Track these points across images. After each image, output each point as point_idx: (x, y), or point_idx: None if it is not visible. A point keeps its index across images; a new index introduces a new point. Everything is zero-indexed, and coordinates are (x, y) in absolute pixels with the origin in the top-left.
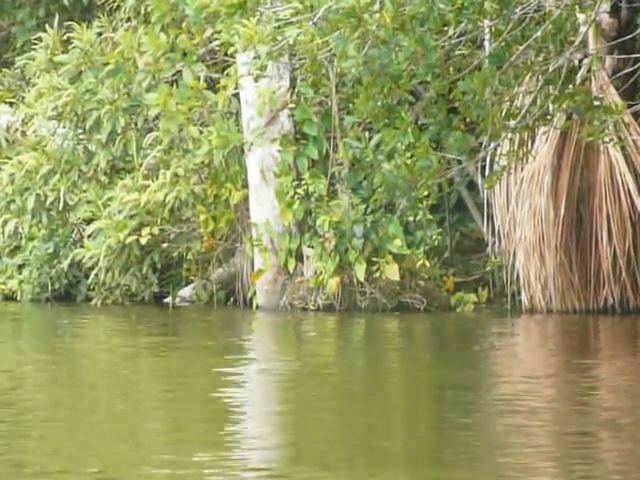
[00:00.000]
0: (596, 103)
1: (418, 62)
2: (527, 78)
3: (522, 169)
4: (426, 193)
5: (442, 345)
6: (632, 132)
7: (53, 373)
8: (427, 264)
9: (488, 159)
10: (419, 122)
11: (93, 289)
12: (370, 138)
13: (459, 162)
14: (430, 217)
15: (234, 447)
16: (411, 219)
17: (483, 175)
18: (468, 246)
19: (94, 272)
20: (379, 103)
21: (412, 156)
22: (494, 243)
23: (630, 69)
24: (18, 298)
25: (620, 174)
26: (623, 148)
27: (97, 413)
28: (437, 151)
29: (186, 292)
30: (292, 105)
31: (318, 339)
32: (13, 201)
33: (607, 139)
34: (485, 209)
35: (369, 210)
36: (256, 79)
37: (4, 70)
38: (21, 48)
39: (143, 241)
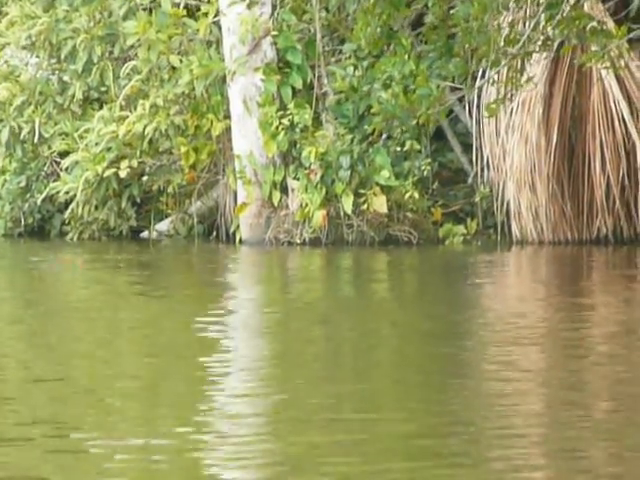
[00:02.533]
0: (599, 27)
1: None
2: (528, 3)
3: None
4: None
5: (432, 279)
6: (627, 58)
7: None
8: (416, 195)
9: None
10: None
11: (68, 224)
12: (355, 67)
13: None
14: (418, 147)
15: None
16: (399, 149)
17: (463, 103)
18: (447, 177)
19: (71, 206)
20: (378, 29)
21: (408, 85)
22: (476, 174)
23: None
24: None
25: (614, 101)
26: (617, 75)
27: (73, 366)
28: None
29: (164, 226)
30: (275, 32)
31: (305, 275)
32: None
33: (607, 64)
34: (473, 139)
35: (356, 140)
36: (249, 6)
37: None
38: None
39: (122, 174)
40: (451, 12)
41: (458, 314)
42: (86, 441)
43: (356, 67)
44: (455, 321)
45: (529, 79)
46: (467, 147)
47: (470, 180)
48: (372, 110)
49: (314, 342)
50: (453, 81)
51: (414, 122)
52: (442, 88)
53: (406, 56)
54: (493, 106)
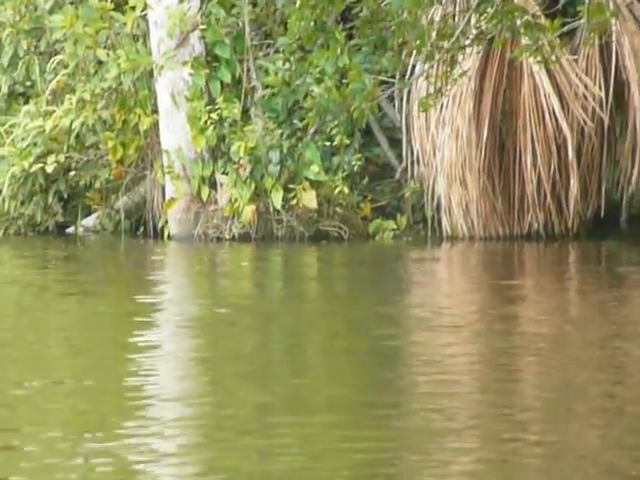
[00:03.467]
0: (536, 21)
1: None
2: None
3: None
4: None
5: (362, 275)
6: (559, 52)
7: None
8: (345, 191)
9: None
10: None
11: None
12: (287, 61)
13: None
14: (348, 142)
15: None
16: (327, 144)
17: (391, 98)
18: (373, 172)
19: None
20: (312, 24)
21: (341, 79)
22: (404, 169)
23: None
24: None
25: (545, 95)
26: (548, 69)
27: None
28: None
29: (90, 221)
30: (203, 26)
31: (235, 272)
32: None
33: (540, 58)
34: (403, 134)
35: (285, 135)
36: None
37: None
38: None
39: (49, 169)
40: (384, 5)
41: (387, 308)
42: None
43: (288, 61)
44: (383, 314)
45: (463, 73)
46: (394, 142)
47: (398, 175)
48: (305, 104)
49: (241, 340)
50: (386, 75)
51: (347, 117)
52: (375, 82)
53: (339, 50)
54: (427, 101)
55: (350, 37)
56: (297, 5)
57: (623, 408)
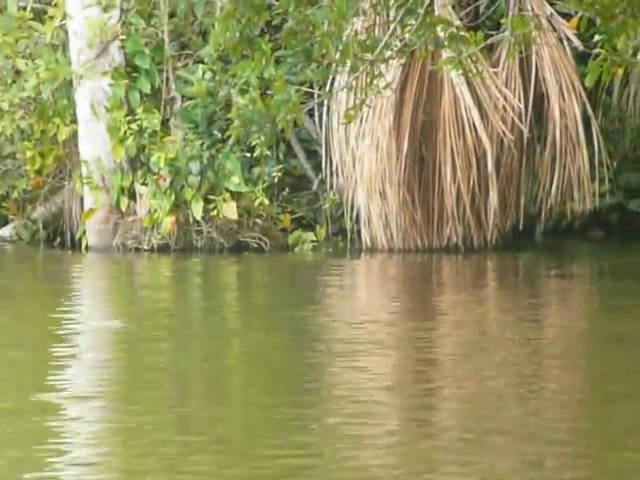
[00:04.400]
0: (460, 34)
1: None
2: (386, 8)
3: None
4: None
5: (280, 286)
6: (480, 65)
7: None
8: (266, 202)
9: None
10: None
11: None
12: (210, 71)
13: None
14: (268, 153)
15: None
16: (248, 155)
17: (309, 110)
18: (290, 183)
19: None
20: (237, 34)
21: (266, 90)
22: (321, 180)
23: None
24: None
25: (465, 107)
26: (468, 81)
27: None
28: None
29: (6, 231)
30: (123, 37)
31: (153, 284)
32: None
33: (461, 71)
34: (323, 146)
35: (205, 146)
36: (105, 9)
37: None
38: None
39: None
40: (309, 17)
41: (302, 321)
42: None
43: (211, 71)
44: (298, 328)
45: (387, 85)
46: (311, 154)
47: (315, 187)
48: (230, 115)
49: (157, 354)
50: (310, 86)
51: (271, 128)
52: (300, 93)
53: (264, 61)
54: (351, 112)
55: (275, 48)
56: (222, 16)
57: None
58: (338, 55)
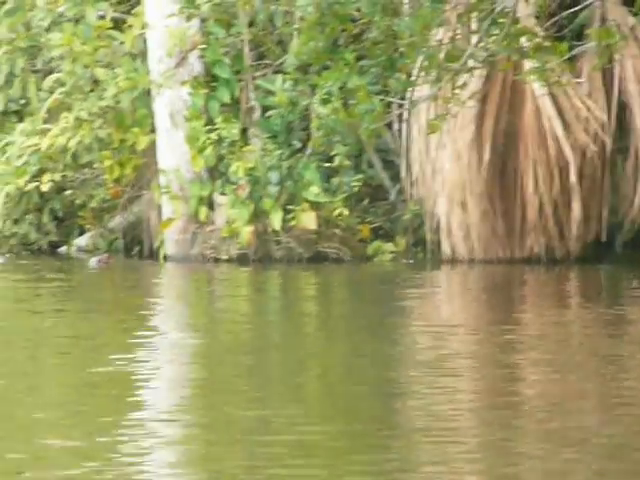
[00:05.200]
0: (545, 44)
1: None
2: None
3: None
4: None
5: (361, 297)
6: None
7: None
8: (345, 212)
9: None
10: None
11: None
12: (294, 81)
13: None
14: (348, 163)
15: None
16: (327, 165)
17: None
18: (366, 193)
19: None
20: (320, 44)
21: (348, 100)
22: (399, 190)
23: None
24: None
25: (547, 118)
26: (550, 92)
27: None
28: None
29: (83, 241)
30: (203, 46)
31: (232, 294)
32: None
33: (551, 81)
34: (403, 155)
35: (285, 156)
36: (188, 18)
37: None
38: None
39: (45, 188)
40: (394, 27)
41: (385, 336)
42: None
43: (295, 81)
44: (381, 350)
45: (472, 95)
46: (387, 163)
47: (392, 197)
48: (312, 125)
49: (240, 365)
50: (387, 95)
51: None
52: (384, 103)
53: (347, 71)
54: (436, 122)
55: (358, 58)
56: (305, 25)
57: None
58: (423, 65)
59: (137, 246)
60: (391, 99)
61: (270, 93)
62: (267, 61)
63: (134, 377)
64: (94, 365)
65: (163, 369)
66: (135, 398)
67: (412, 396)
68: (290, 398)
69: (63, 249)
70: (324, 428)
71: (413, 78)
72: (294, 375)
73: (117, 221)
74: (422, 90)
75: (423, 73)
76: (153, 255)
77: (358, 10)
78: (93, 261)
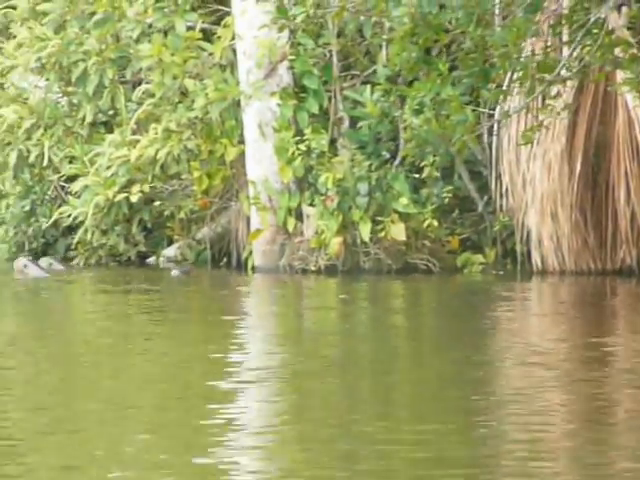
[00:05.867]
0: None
1: (473, 9)
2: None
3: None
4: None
5: (452, 309)
6: None
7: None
8: (435, 223)
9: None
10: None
11: (74, 249)
12: (385, 92)
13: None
14: (437, 174)
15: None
16: (416, 176)
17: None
18: (454, 204)
19: (81, 231)
20: (414, 54)
21: (439, 110)
22: (486, 202)
23: None
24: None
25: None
26: None
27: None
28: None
29: (171, 252)
30: (292, 57)
31: (321, 306)
32: None
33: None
34: (492, 167)
35: (374, 167)
36: (280, 29)
37: None
38: None
39: (134, 199)
40: (487, 38)
41: (479, 351)
42: None
43: (386, 92)
44: (474, 362)
45: (566, 106)
46: (474, 175)
47: (480, 208)
48: (404, 136)
49: (331, 380)
50: (477, 105)
51: (446, 149)
52: (476, 114)
53: (439, 81)
54: (528, 134)
55: (450, 68)
56: (399, 35)
57: None
58: (515, 76)
59: (224, 257)
60: (483, 110)
61: (358, 104)
62: (355, 72)
63: (225, 393)
64: (184, 383)
65: (251, 385)
66: (228, 415)
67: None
68: (387, 411)
69: (151, 260)
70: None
71: (505, 89)
72: (390, 389)
73: (205, 232)
74: (513, 101)
75: (516, 84)
76: (241, 266)
77: (450, 21)
78: (175, 272)
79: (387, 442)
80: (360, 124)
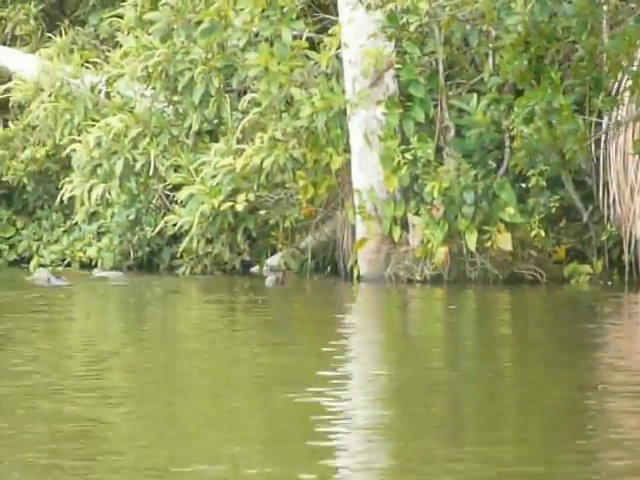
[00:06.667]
0: None
1: (586, 17)
2: None
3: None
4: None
5: (561, 321)
6: None
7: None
8: (542, 233)
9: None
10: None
11: (180, 257)
12: (496, 101)
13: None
14: (544, 184)
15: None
16: (523, 185)
17: None
18: (559, 214)
19: (186, 239)
20: (525, 62)
21: (550, 119)
22: (591, 212)
23: None
24: (98, 266)
25: None
26: None
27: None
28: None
29: (274, 261)
30: (398, 65)
31: (427, 317)
32: (100, 165)
33: None
34: (598, 176)
35: (480, 176)
36: (390, 37)
37: (77, 28)
38: (93, 6)
39: (239, 207)
40: (598, 47)
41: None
42: None
43: (496, 101)
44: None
45: None
46: (579, 184)
47: (585, 218)
48: (514, 145)
49: (440, 392)
50: (582, 113)
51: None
52: (587, 123)
53: (550, 90)
54: None
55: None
56: (510, 43)
57: None
58: (628, 84)
59: (328, 266)
60: (593, 119)
61: (464, 112)
62: (460, 80)
63: (329, 410)
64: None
65: (357, 404)
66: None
67: None
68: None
69: (255, 269)
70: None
71: (617, 97)
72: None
73: (308, 241)
74: (622, 110)
75: (628, 93)
76: (345, 275)
77: (562, 29)
78: (270, 280)
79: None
80: (469, 133)
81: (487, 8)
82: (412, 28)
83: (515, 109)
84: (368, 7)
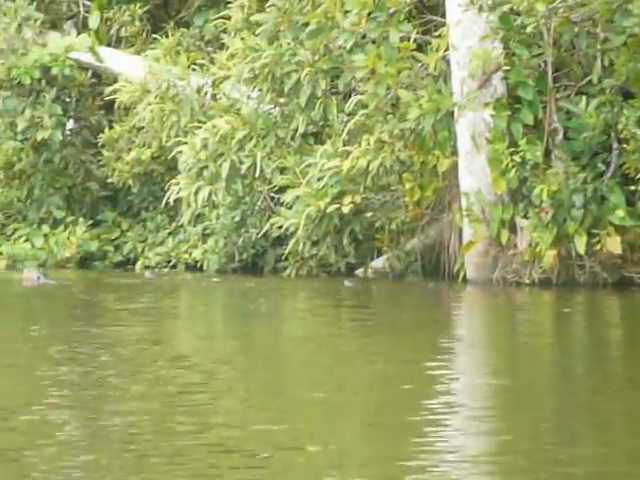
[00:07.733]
0: None
1: None
2: None
3: None
4: None
5: None
6: None
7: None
8: None
9: None
10: None
11: (285, 259)
12: (605, 102)
13: None
14: None
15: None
16: (632, 188)
17: None
18: None
19: (292, 242)
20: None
21: None
22: None
23: None
24: (204, 268)
25: None
26: None
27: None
28: None
29: (379, 263)
30: (506, 67)
31: (535, 321)
32: (206, 167)
33: None
34: None
35: (589, 179)
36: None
37: (182, 30)
38: (198, 7)
39: (345, 210)
40: None
41: None
42: None
43: (610, 103)
44: None
45: None
46: None
47: None
48: (626, 147)
49: (543, 397)
50: None
51: None
52: None
53: None
54: None
55: None
56: (624, 45)
57: None
58: None
59: (433, 268)
60: None
61: (571, 114)
62: (568, 82)
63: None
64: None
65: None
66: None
67: None
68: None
69: (360, 271)
70: None
71: None
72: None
73: (414, 243)
74: None
75: None
76: (451, 277)
77: None
78: (348, 283)
79: None
80: (581, 135)
81: (603, 10)
82: (529, 30)
83: (625, 111)
84: (480, 9)
